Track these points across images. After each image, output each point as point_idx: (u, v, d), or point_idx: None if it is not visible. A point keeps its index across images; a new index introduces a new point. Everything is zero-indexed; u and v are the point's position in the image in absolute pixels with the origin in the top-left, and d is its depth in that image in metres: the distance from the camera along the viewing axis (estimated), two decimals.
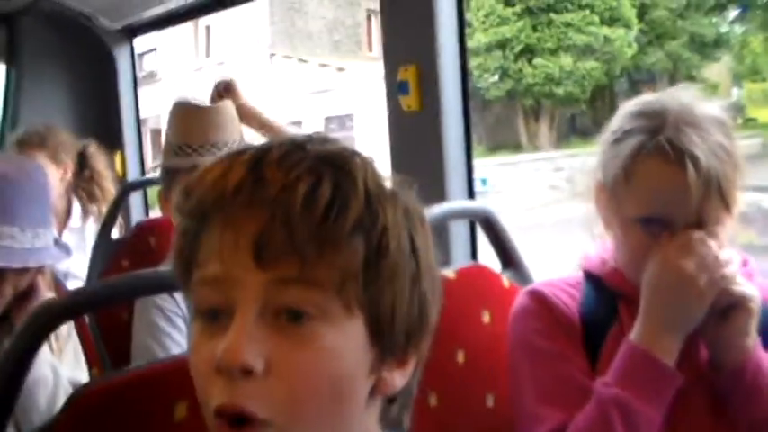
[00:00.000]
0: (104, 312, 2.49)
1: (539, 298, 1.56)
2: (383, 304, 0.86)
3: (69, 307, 1.31)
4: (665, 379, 1.38)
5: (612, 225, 1.53)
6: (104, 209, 3.48)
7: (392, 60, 2.45)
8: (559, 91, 22.10)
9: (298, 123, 23.36)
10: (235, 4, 3.39)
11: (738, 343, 1.40)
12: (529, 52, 22.31)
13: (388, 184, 0.91)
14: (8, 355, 1.20)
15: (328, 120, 23.05)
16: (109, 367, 2.32)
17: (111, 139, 3.96)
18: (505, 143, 22.62)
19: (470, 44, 22.29)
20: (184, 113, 2.32)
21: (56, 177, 3.44)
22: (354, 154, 0.89)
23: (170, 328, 2.17)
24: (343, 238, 0.83)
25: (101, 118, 4.04)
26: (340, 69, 22.26)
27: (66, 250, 1.96)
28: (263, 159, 0.85)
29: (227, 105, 2.38)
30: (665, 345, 1.39)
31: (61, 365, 1.82)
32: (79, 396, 1.19)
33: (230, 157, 0.88)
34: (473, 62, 22.36)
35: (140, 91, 4.17)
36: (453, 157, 2.34)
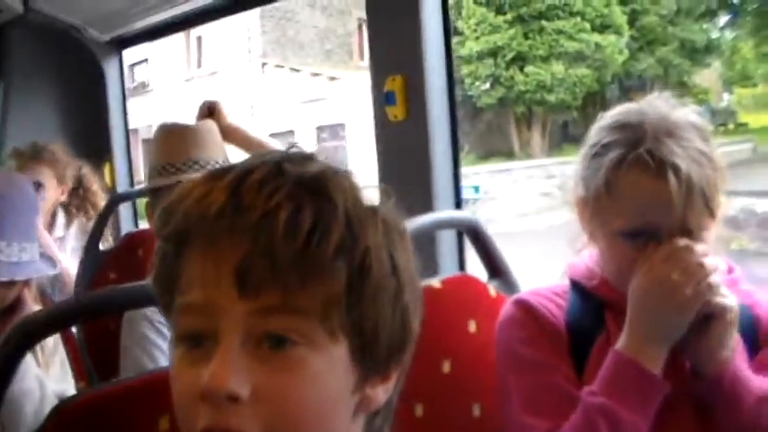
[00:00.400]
0: (91, 324, 2.49)
1: (524, 307, 1.56)
2: (366, 326, 0.86)
3: (53, 319, 1.31)
4: (651, 388, 1.38)
5: (597, 238, 1.53)
6: (90, 225, 3.51)
7: (379, 70, 2.45)
8: (551, 98, 22.17)
9: (290, 132, 23.40)
10: (223, 15, 3.38)
11: (716, 353, 1.40)
12: (520, 60, 22.39)
13: (367, 197, 0.90)
14: None
15: (320, 129, 23.05)
16: (96, 380, 2.31)
17: (101, 150, 3.97)
18: (498, 150, 22.67)
19: (462, 52, 22.38)
20: (167, 134, 2.34)
21: (56, 194, 3.49)
22: (333, 173, 0.88)
23: (160, 340, 2.17)
24: (326, 265, 0.82)
25: (90, 129, 4.03)
26: (332, 78, 22.27)
27: (52, 263, 1.96)
28: (243, 183, 0.84)
29: (209, 124, 2.41)
30: (651, 354, 1.39)
31: (48, 378, 1.82)
32: (64, 407, 1.19)
33: (210, 179, 0.87)
34: (465, 70, 22.43)
35: (132, 102, 4.18)
36: (440, 166, 2.33)
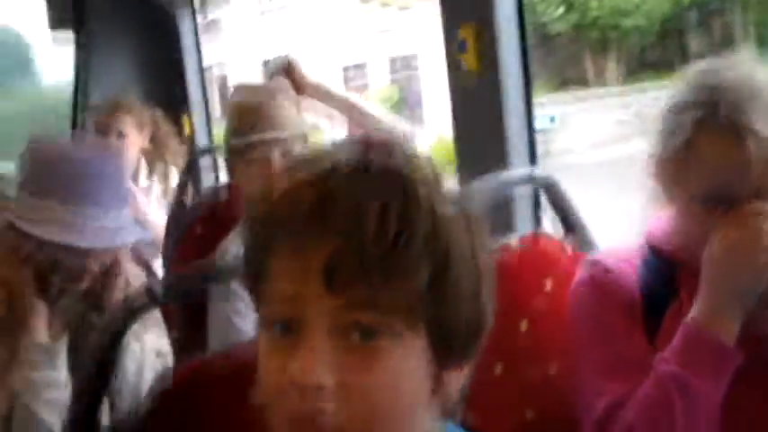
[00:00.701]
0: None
1: (599, 270, 1.58)
2: (446, 320, 0.91)
3: (153, 296, 1.38)
4: (723, 358, 1.40)
5: (673, 200, 1.54)
6: (170, 170, 3.63)
7: (451, 17, 2.45)
8: (627, 23, 21.67)
9: (362, 65, 23.37)
10: None
11: None
12: None
13: (449, 189, 0.94)
14: (99, 339, 1.28)
15: (393, 60, 22.96)
16: (185, 331, 2.40)
17: (178, 102, 4.04)
18: (573, 78, 22.32)
19: None
20: (237, 96, 2.46)
21: (138, 141, 3.60)
22: (416, 167, 0.92)
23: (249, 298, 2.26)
24: (410, 264, 0.87)
25: (167, 81, 4.12)
26: (402, 8, 22.09)
27: (143, 228, 2.05)
28: (331, 181, 0.89)
29: (280, 83, 2.50)
30: (724, 323, 1.40)
31: (145, 333, 1.92)
32: (165, 381, 1.27)
33: (298, 172, 0.92)
34: None
35: (204, 39, 4.24)
36: (514, 118, 2.34)
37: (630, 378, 1.46)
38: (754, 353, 1.44)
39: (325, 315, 0.88)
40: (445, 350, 0.93)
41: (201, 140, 4.11)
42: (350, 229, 0.86)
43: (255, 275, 0.94)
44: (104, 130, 3.57)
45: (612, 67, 22.67)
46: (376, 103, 2.63)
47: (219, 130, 3.12)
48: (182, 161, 3.69)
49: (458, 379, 0.96)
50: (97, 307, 1.91)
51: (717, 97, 1.42)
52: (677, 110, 1.48)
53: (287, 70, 2.61)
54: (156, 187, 3.66)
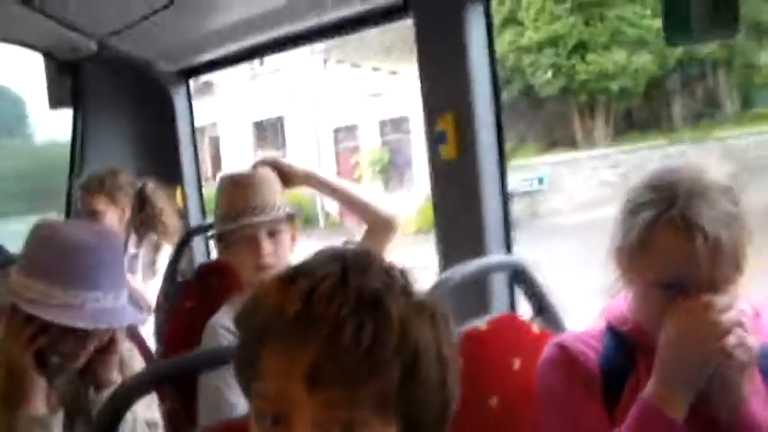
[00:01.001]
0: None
1: (562, 351, 1.72)
2: (415, 411, 1.05)
3: (152, 378, 1.51)
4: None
5: (631, 286, 1.68)
6: (164, 241, 3.77)
7: (431, 109, 2.61)
8: (614, 86, 21.99)
9: (353, 127, 23.58)
10: (294, 47, 3.54)
11: (728, 399, 1.54)
12: (581, 48, 22.23)
13: (418, 293, 1.08)
14: (101, 418, 1.41)
15: (383, 123, 23.19)
16: (176, 402, 2.50)
17: (173, 176, 4.19)
18: (561, 140, 22.56)
19: (522, 42, 22.30)
20: (228, 184, 2.64)
21: (115, 218, 3.75)
22: (389, 285, 1.06)
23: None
24: (382, 367, 1.01)
25: (161, 156, 4.26)
26: (392, 72, 22.38)
27: (140, 309, 2.18)
28: (314, 294, 1.02)
29: (264, 171, 2.67)
30: (674, 401, 1.53)
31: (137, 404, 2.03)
32: None
33: (285, 283, 1.06)
34: (525, 60, 22.35)
35: (197, 100, 4.40)
36: (491, 204, 2.49)
37: None
38: (703, 429, 1.57)
39: (308, 411, 1.01)
40: None
41: (194, 212, 4.24)
42: (329, 339, 0.99)
43: (246, 372, 1.09)
44: (84, 209, 3.79)
45: (600, 128, 22.93)
46: (364, 186, 2.77)
47: (209, 191, 3.29)
48: (175, 235, 3.82)
49: None
50: (92, 383, 2.02)
51: (671, 195, 1.57)
52: (634, 208, 1.62)
53: (273, 166, 2.76)
54: (144, 256, 3.79)
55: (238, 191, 2.60)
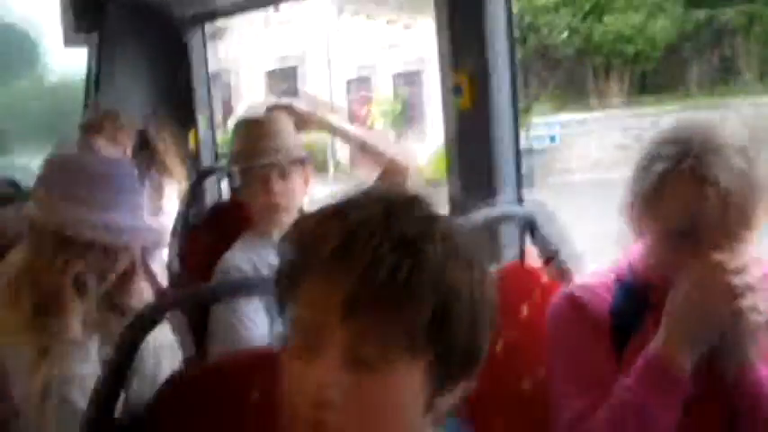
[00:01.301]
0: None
1: (573, 298, 1.76)
2: (444, 350, 1.07)
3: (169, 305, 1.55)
4: (675, 389, 1.56)
5: (643, 237, 1.71)
6: (167, 181, 3.81)
7: (447, 64, 2.63)
8: (629, 49, 21.86)
9: (366, 79, 23.52)
10: None
11: (737, 356, 1.58)
12: (599, 9, 22.07)
13: (457, 237, 1.10)
14: (117, 348, 1.46)
15: (396, 76, 23.14)
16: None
17: (186, 119, 4.21)
18: (574, 101, 22.50)
19: (539, 1, 22.15)
20: (242, 126, 2.75)
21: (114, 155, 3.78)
22: (430, 227, 1.08)
23: (247, 306, 2.46)
24: (416, 305, 1.03)
25: (175, 99, 4.28)
26: (407, 26, 22.30)
27: (158, 230, 2.26)
28: (355, 232, 1.05)
29: (279, 115, 2.75)
30: (680, 358, 1.56)
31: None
32: (176, 377, 1.47)
33: (328, 217, 1.09)
34: (541, 20, 22.21)
35: (210, 46, 4.41)
36: (503, 155, 2.52)
37: (594, 394, 1.63)
38: (709, 387, 1.61)
39: (338, 342, 1.04)
40: (441, 378, 1.08)
41: (206, 155, 4.27)
42: (365, 273, 1.02)
43: (285, 293, 1.12)
44: (84, 149, 3.80)
45: (614, 91, 22.85)
46: (378, 131, 2.80)
47: (220, 135, 3.31)
48: (179, 176, 3.86)
49: (452, 398, 1.13)
50: (116, 309, 2.07)
51: (685, 149, 1.60)
52: (649, 160, 1.65)
53: (288, 109, 2.80)
54: (146, 196, 3.82)
55: (253, 133, 2.68)
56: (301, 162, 2.68)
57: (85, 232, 1.94)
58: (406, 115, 22.24)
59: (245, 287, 1.88)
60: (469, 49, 2.54)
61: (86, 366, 1.89)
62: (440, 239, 1.08)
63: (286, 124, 2.73)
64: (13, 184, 3.74)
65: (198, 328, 2.44)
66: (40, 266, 1.97)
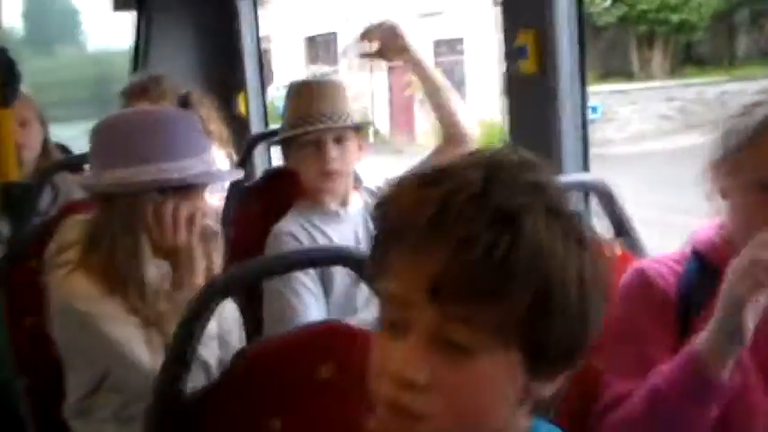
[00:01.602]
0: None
1: (641, 275, 1.68)
2: (542, 341, 0.97)
3: (244, 278, 1.50)
4: (712, 394, 1.47)
5: (729, 194, 1.63)
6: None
7: (511, 24, 2.54)
8: (675, 18, 21.50)
9: None
10: None
11: None
12: None
13: (562, 211, 0.99)
14: (181, 324, 1.41)
15: (437, 43, 22.95)
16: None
17: (235, 84, 4.15)
18: (617, 70, 22.21)
19: None
20: (297, 90, 2.67)
21: None
22: (532, 200, 0.97)
23: (304, 277, 2.41)
24: (512, 288, 0.93)
25: (224, 64, 4.22)
26: None
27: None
28: (451, 202, 0.96)
29: (335, 79, 2.79)
30: (722, 353, 1.46)
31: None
32: (247, 350, 1.39)
33: (423, 185, 1.00)
34: None
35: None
36: (569, 123, 2.43)
37: (638, 380, 1.56)
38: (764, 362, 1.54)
39: (426, 321, 0.96)
40: (538, 366, 0.99)
41: (256, 120, 4.21)
42: (458, 250, 0.93)
43: (378, 264, 1.03)
44: None
45: (658, 61, 22.52)
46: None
47: None
48: (222, 143, 3.81)
49: (551, 388, 1.03)
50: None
51: None
52: (746, 110, 1.59)
53: (387, 33, 2.71)
54: None
55: (308, 96, 2.61)
56: (356, 127, 2.61)
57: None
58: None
59: (325, 257, 1.77)
60: (534, 6, 2.44)
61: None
62: (546, 213, 0.97)
63: (342, 88, 2.66)
64: (65, 149, 3.72)
65: (251, 301, 2.38)
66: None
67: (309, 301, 2.39)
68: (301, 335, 1.50)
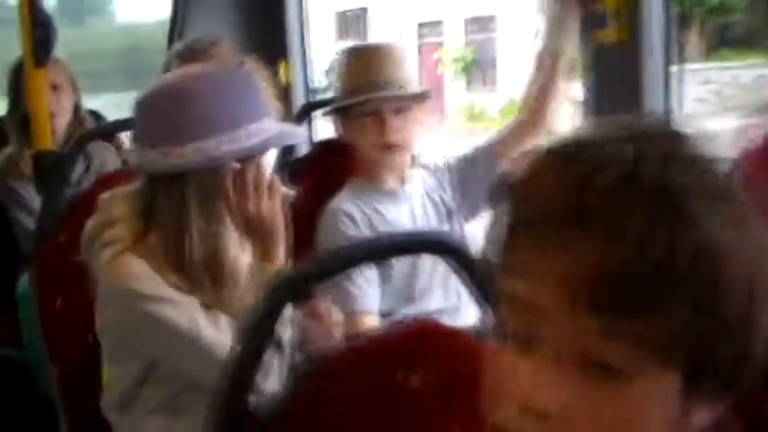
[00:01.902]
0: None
1: None
2: (705, 360, 0.77)
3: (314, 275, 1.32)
4: None
5: None
6: None
7: None
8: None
9: (438, 23, 23.16)
10: None
11: None
12: None
13: (735, 194, 0.79)
14: (249, 326, 1.22)
15: (468, 21, 22.74)
16: None
17: (277, 49, 3.97)
18: None
19: None
20: (352, 57, 2.47)
21: None
22: (702, 179, 0.77)
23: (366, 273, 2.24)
24: (671, 295, 0.74)
25: (266, 31, 4.03)
26: None
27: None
28: (591, 187, 0.76)
29: (398, 45, 2.52)
30: None
31: None
32: (314, 364, 1.21)
33: (561, 165, 0.80)
34: None
35: None
36: (654, 94, 2.21)
37: None
38: None
39: (563, 336, 0.77)
40: (698, 386, 0.79)
41: (299, 89, 4.02)
42: (604, 248, 0.74)
43: (497, 253, 0.83)
44: None
45: (694, 43, 22.23)
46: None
47: None
48: (276, 112, 3.63)
49: (711, 413, 0.82)
50: None
51: None
52: None
53: None
54: None
55: (365, 63, 2.41)
56: (419, 97, 2.40)
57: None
58: (479, 62, 21.83)
59: (419, 244, 1.54)
60: None
61: None
62: (713, 196, 0.76)
63: (403, 52, 2.47)
64: (98, 116, 3.55)
65: None
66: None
67: (367, 290, 2.21)
68: (387, 337, 1.29)
